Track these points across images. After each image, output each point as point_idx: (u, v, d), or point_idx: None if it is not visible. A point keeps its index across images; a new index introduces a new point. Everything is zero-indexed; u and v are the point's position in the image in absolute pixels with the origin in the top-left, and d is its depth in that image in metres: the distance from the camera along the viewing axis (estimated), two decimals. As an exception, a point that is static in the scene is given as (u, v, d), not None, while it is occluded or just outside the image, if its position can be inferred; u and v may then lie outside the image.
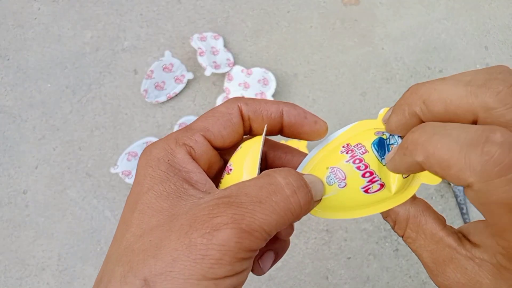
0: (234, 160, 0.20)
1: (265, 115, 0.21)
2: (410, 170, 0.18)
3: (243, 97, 0.21)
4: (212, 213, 0.16)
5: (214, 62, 0.69)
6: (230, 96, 0.70)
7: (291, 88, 0.73)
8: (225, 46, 0.73)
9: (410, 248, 0.20)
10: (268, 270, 0.22)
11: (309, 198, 0.18)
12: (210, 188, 0.19)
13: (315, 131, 0.21)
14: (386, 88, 0.73)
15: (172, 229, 0.16)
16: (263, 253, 0.22)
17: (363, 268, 0.69)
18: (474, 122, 0.16)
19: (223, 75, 0.71)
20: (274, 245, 0.22)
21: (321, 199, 0.20)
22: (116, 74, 0.73)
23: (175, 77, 0.71)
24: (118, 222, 0.20)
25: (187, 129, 0.20)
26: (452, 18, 0.76)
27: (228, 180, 0.20)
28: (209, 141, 0.20)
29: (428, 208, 0.20)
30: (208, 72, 0.67)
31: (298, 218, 0.18)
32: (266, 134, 0.21)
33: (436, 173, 0.16)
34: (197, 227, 0.16)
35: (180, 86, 0.71)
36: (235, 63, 0.72)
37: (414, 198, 0.20)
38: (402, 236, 0.20)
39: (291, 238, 0.69)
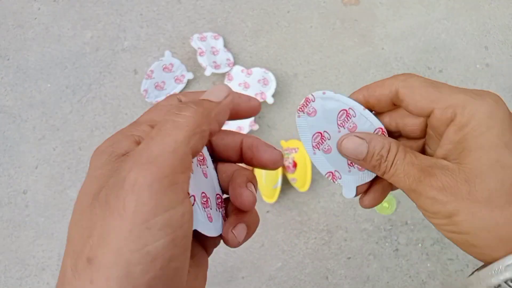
0: None
1: None
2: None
3: (183, 92, 0.22)
4: (122, 175, 0.16)
5: (214, 62, 0.69)
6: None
7: (291, 88, 0.73)
8: (225, 46, 0.73)
9: (392, 180, 0.23)
10: (243, 242, 0.23)
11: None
12: None
13: (249, 109, 0.23)
14: (386, 88, 0.73)
15: (95, 205, 0.16)
16: (236, 224, 0.22)
17: (363, 268, 0.69)
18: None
19: (223, 75, 0.71)
20: (244, 217, 0.23)
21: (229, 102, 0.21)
22: (116, 74, 0.73)
23: (175, 77, 0.71)
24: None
25: (133, 123, 0.21)
26: (452, 18, 0.76)
27: None
28: None
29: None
30: (208, 72, 0.67)
31: (211, 116, 0.19)
32: None
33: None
34: (112, 190, 0.16)
35: (180, 86, 0.71)
36: (235, 63, 0.72)
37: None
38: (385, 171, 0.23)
39: (291, 237, 0.69)
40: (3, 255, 0.69)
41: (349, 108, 0.24)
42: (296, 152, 0.66)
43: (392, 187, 0.26)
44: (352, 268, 0.69)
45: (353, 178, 0.24)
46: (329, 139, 0.24)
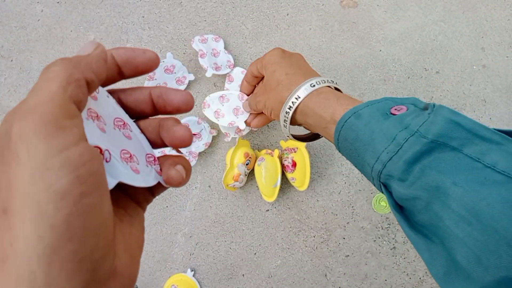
0: None
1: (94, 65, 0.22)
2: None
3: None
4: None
5: (215, 63, 0.71)
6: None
7: (290, 89, 0.74)
8: (226, 48, 0.74)
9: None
10: (186, 180, 0.25)
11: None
12: None
13: (147, 60, 0.24)
14: (383, 89, 0.74)
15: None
16: (174, 165, 0.25)
17: (361, 266, 0.70)
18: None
19: (223, 76, 0.73)
20: (180, 160, 0.25)
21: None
22: (118, 75, 0.74)
23: (177, 79, 0.72)
24: None
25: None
26: (449, 20, 0.77)
27: None
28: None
29: None
30: (209, 73, 0.68)
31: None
32: (108, 81, 0.24)
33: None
34: (1, 146, 0.17)
35: (181, 88, 0.72)
36: (235, 65, 0.73)
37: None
38: None
39: (290, 236, 0.71)
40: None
41: (127, 123, 0.24)
42: (295, 152, 0.67)
43: None
44: (350, 266, 0.70)
45: (121, 171, 0.21)
46: (105, 124, 0.22)
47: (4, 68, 0.75)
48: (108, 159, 0.20)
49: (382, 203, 0.70)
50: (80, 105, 0.19)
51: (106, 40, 0.75)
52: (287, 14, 0.77)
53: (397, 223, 0.71)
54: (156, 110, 0.26)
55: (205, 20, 0.76)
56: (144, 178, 0.22)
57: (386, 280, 0.70)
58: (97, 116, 0.21)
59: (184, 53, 0.75)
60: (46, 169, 0.16)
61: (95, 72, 0.20)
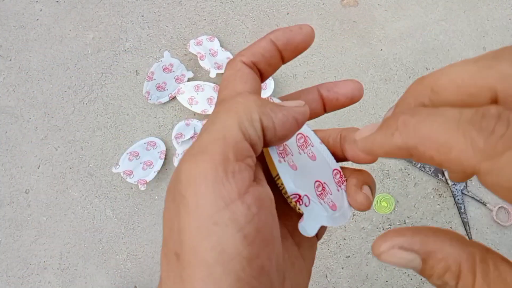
0: None
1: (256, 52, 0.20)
2: (391, 153, 0.15)
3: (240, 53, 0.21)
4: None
5: (216, 63, 0.70)
6: None
7: (290, 89, 0.74)
8: (222, 46, 0.74)
9: None
10: (372, 201, 0.22)
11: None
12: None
13: (305, 37, 0.21)
14: (384, 89, 0.74)
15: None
16: (360, 187, 0.22)
17: (362, 266, 0.69)
18: (494, 101, 0.14)
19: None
20: (364, 179, 0.22)
21: None
22: (118, 75, 0.74)
23: (176, 77, 0.71)
24: None
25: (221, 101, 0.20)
26: (450, 19, 0.77)
27: None
28: None
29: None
30: (212, 74, 0.68)
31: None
32: (272, 71, 0.21)
33: (432, 160, 0.13)
34: (173, 183, 0.16)
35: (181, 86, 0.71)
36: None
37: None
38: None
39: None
40: (5, 254, 0.69)
41: (307, 136, 0.22)
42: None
43: None
44: (351, 267, 0.69)
45: (321, 214, 0.19)
46: (292, 155, 0.21)
47: (3, 68, 0.74)
48: (307, 204, 0.19)
49: (382, 203, 0.70)
50: (255, 147, 0.17)
51: (104, 39, 0.75)
52: (288, 13, 0.76)
53: (398, 223, 0.70)
54: (325, 108, 0.23)
55: (205, 19, 0.76)
56: (341, 211, 0.20)
57: (387, 281, 0.69)
58: (284, 149, 0.20)
59: (183, 52, 0.74)
60: (213, 223, 0.15)
61: (275, 122, 0.17)
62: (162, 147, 0.69)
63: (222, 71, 0.69)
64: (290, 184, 0.18)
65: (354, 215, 0.71)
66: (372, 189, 0.22)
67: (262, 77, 0.20)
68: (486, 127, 0.12)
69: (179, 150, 0.68)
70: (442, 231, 0.15)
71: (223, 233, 0.15)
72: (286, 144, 0.20)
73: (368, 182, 0.22)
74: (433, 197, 0.70)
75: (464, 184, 0.69)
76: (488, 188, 0.13)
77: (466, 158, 0.12)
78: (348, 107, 0.78)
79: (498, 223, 0.67)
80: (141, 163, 0.68)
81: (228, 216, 0.15)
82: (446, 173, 0.70)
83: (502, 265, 0.14)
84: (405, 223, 0.70)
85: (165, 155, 0.70)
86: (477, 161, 0.12)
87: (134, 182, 0.66)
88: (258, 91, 0.19)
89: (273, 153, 0.19)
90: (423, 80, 0.15)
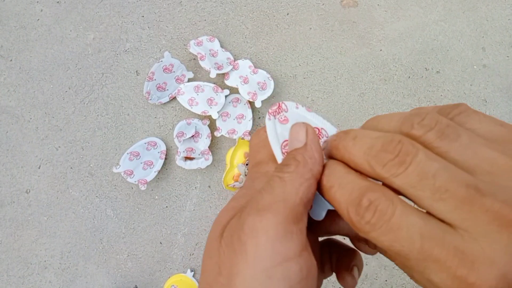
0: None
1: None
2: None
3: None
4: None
5: (216, 63, 0.70)
6: (227, 81, 0.70)
7: (290, 89, 0.74)
8: (222, 46, 0.74)
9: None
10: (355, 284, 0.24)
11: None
12: None
13: None
14: (384, 89, 0.74)
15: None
16: (351, 268, 0.23)
17: (362, 266, 0.70)
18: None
19: (223, 74, 0.72)
20: (354, 261, 0.24)
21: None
22: (118, 75, 0.74)
23: (176, 77, 0.72)
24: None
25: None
26: (450, 19, 0.77)
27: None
28: None
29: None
30: (213, 74, 0.68)
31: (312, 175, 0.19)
32: None
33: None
34: (233, 230, 0.18)
35: (181, 85, 0.71)
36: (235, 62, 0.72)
37: None
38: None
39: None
40: (6, 254, 0.69)
41: (322, 128, 0.22)
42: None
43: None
44: (350, 267, 0.70)
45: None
46: None
47: (4, 68, 0.75)
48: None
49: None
50: (307, 205, 0.18)
51: (105, 39, 0.75)
52: (287, 14, 0.77)
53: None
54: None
55: (205, 20, 0.76)
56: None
57: (386, 280, 0.69)
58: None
59: (184, 53, 0.74)
60: (267, 276, 0.16)
61: (316, 162, 0.19)
62: (163, 147, 0.69)
63: (222, 71, 0.69)
64: None
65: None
66: (360, 270, 0.24)
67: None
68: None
69: (181, 148, 0.68)
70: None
71: (274, 287, 0.16)
72: None
73: (358, 264, 0.24)
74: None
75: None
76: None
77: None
78: (347, 108, 0.78)
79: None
80: (141, 163, 0.68)
81: (282, 272, 0.16)
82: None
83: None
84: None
85: (166, 155, 0.70)
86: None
87: (135, 182, 0.66)
88: None
89: (277, 150, 0.20)
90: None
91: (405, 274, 0.73)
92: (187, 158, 0.68)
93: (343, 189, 0.17)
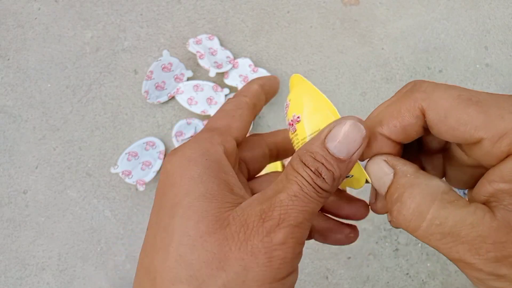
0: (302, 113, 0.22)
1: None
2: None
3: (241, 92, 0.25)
4: (262, 218, 0.16)
5: (215, 62, 0.70)
6: (227, 80, 0.70)
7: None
8: (222, 45, 0.73)
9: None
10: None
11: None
12: (243, 191, 0.19)
13: (277, 84, 0.29)
14: (386, 88, 0.73)
15: (227, 237, 0.16)
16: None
17: (363, 268, 0.69)
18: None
19: (223, 73, 0.72)
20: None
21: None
22: (116, 74, 0.73)
23: (175, 76, 0.71)
24: (149, 227, 0.19)
25: (213, 129, 0.21)
26: (452, 18, 0.76)
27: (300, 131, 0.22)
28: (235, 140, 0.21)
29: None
30: (212, 73, 0.68)
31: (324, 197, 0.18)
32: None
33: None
34: (253, 233, 0.16)
35: (180, 84, 0.71)
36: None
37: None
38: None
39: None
40: (3, 255, 0.69)
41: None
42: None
43: None
44: (352, 268, 0.69)
45: None
46: None
47: (1, 67, 0.74)
48: None
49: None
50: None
51: (103, 38, 0.74)
52: (288, 12, 0.76)
53: (399, 224, 0.70)
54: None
55: (204, 18, 0.75)
56: None
57: (388, 282, 0.69)
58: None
59: (183, 51, 0.74)
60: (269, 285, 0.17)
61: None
62: (161, 147, 0.69)
63: (221, 70, 0.69)
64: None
65: (355, 215, 0.70)
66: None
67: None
68: None
69: None
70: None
71: None
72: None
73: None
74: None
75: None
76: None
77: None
78: (349, 107, 0.77)
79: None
80: (140, 163, 0.67)
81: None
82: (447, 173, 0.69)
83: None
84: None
85: (164, 155, 0.69)
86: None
87: (133, 182, 0.66)
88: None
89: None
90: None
91: (408, 276, 0.72)
92: None
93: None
